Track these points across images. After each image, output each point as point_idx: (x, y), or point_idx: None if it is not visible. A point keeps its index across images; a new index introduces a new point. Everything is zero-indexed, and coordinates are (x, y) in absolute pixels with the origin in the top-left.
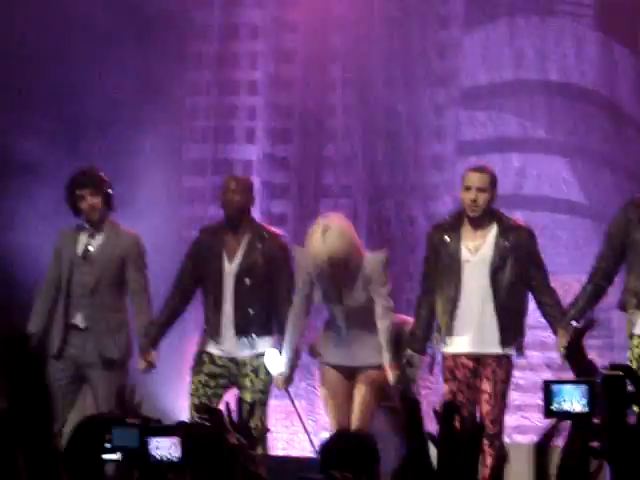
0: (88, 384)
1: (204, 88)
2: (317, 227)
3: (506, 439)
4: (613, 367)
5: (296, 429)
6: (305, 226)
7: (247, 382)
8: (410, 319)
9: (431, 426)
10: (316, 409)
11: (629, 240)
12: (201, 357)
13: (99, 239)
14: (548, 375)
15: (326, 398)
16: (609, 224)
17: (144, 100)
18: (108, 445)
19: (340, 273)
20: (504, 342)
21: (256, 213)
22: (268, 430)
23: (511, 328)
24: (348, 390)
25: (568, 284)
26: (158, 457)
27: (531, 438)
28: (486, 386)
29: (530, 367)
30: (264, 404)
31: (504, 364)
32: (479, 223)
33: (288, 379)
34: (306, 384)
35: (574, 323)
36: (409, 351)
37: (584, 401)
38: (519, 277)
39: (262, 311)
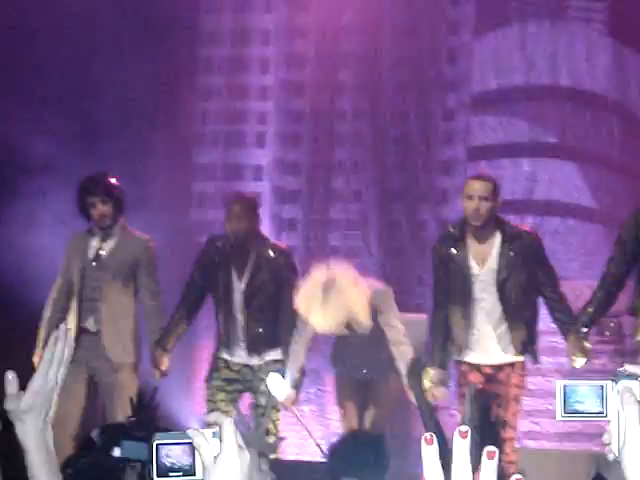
0: (99, 387)
1: (215, 93)
2: (315, 288)
3: (516, 444)
4: None
5: (307, 434)
6: (315, 231)
7: (262, 386)
8: (419, 315)
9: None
10: (326, 414)
11: None
12: (217, 363)
13: (110, 243)
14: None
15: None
16: (620, 229)
17: (156, 104)
18: (117, 454)
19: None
20: (519, 351)
21: (266, 218)
22: (283, 438)
23: (525, 337)
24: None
25: (579, 289)
26: (169, 465)
27: (541, 444)
28: (501, 390)
29: (540, 372)
30: (278, 409)
31: (518, 369)
32: (483, 232)
33: (295, 400)
34: (316, 389)
35: (584, 329)
36: (432, 371)
37: (599, 402)
38: (528, 284)
39: (271, 327)
